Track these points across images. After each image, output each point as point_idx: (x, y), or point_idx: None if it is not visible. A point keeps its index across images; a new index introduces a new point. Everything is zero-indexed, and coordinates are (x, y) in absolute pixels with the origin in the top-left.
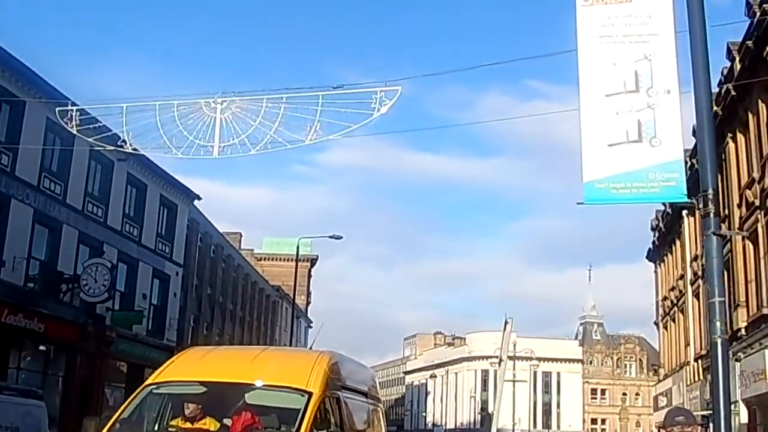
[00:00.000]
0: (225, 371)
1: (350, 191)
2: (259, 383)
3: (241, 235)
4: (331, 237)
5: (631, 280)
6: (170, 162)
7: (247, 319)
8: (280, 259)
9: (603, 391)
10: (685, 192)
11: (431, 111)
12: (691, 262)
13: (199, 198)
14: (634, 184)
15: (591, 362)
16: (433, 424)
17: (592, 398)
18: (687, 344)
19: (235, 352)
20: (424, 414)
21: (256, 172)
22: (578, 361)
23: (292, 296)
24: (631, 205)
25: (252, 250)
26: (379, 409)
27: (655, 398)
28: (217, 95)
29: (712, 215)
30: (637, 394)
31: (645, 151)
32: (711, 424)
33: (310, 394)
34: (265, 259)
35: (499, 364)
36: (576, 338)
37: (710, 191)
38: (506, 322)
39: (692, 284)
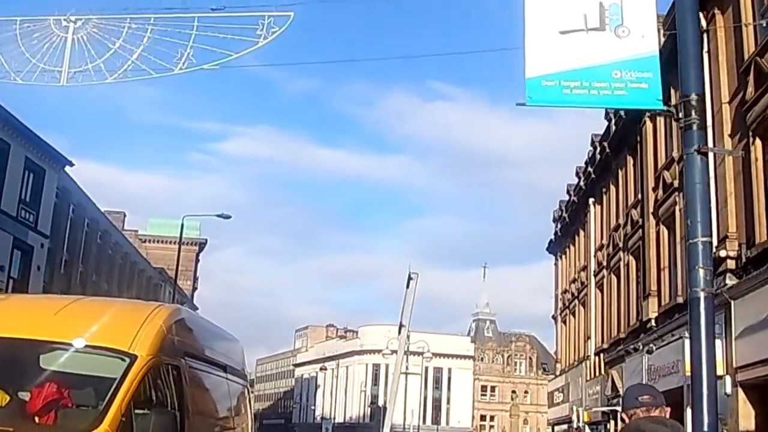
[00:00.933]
0: (14, 324)
1: (249, 183)
2: (62, 341)
3: (124, 215)
4: (218, 216)
5: (524, 282)
6: (65, 149)
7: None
8: (166, 242)
9: (493, 388)
10: (660, 97)
11: (335, 106)
12: (595, 252)
13: (71, 164)
14: (593, 83)
15: (482, 359)
16: (322, 418)
17: (482, 395)
18: (588, 338)
19: (36, 300)
20: (313, 407)
21: (151, 158)
22: (470, 357)
23: (174, 279)
24: (585, 109)
25: (136, 231)
26: (245, 392)
27: (550, 394)
28: (69, 12)
29: (695, 127)
30: (526, 391)
31: (609, 42)
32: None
33: (133, 358)
34: (150, 241)
35: (399, 331)
36: (468, 335)
37: (693, 96)
38: (410, 278)
39: (596, 275)
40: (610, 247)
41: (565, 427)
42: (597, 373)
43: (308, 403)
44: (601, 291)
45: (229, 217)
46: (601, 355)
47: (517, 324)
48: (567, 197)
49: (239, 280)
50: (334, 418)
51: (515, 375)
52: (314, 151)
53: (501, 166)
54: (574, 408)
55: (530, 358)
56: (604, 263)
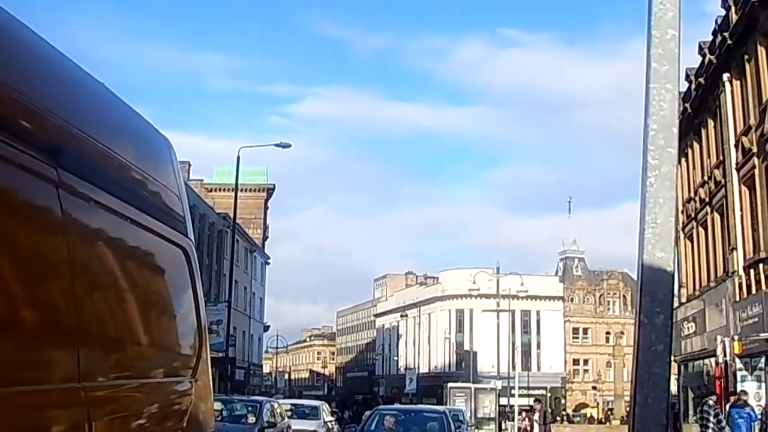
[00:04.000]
0: None
1: (327, 142)
2: None
3: (189, 165)
4: (277, 145)
5: (611, 222)
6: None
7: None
8: (233, 189)
9: (585, 330)
10: None
11: (408, 61)
12: (739, 137)
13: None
14: None
15: (572, 300)
16: (406, 368)
17: (573, 338)
18: (732, 249)
19: None
20: (396, 358)
21: (231, 124)
22: (559, 298)
23: (241, 227)
24: None
25: (201, 180)
26: (187, 267)
27: (677, 325)
28: None
29: None
30: (622, 332)
31: None
32: None
33: None
34: (215, 189)
35: None
36: (556, 275)
37: None
38: None
39: (739, 168)
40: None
41: (701, 363)
42: (752, 291)
43: (391, 354)
44: (751, 187)
45: (288, 145)
46: (760, 266)
47: (607, 265)
48: (691, 79)
49: (322, 240)
50: (419, 368)
51: (609, 315)
52: (390, 107)
53: (579, 110)
54: (718, 339)
55: (624, 297)
56: (755, 148)
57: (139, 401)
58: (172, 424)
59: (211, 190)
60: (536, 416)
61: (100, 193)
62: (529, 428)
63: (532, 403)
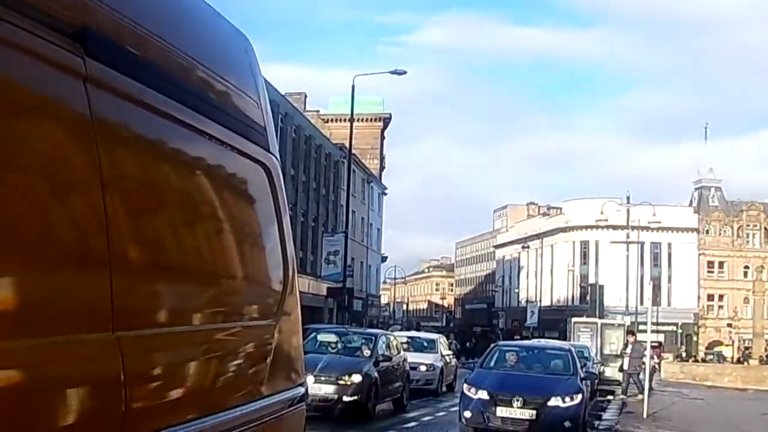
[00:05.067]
0: None
1: (445, 71)
2: None
3: (305, 96)
4: (392, 72)
5: (752, 150)
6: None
7: (312, 186)
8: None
9: (721, 264)
10: None
11: None
12: None
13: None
14: None
15: (707, 232)
16: (527, 301)
17: (708, 272)
18: None
19: None
20: (516, 290)
21: (346, 56)
22: (693, 230)
23: (357, 158)
24: None
25: (318, 111)
26: (271, 185)
27: None
28: None
29: None
30: (762, 266)
31: None
32: None
33: None
34: (332, 120)
35: None
36: (690, 205)
37: None
38: None
39: None
40: None
41: None
42: None
43: (511, 286)
44: None
45: (403, 72)
46: None
47: (746, 196)
48: None
49: (440, 170)
50: (540, 301)
51: (747, 248)
52: (510, 32)
53: (714, 31)
54: None
55: (765, 229)
56: None
57: (215, 345)
58: (254, 367)
59: (327, 121)
60: (628, 349)
61: (155, 96)
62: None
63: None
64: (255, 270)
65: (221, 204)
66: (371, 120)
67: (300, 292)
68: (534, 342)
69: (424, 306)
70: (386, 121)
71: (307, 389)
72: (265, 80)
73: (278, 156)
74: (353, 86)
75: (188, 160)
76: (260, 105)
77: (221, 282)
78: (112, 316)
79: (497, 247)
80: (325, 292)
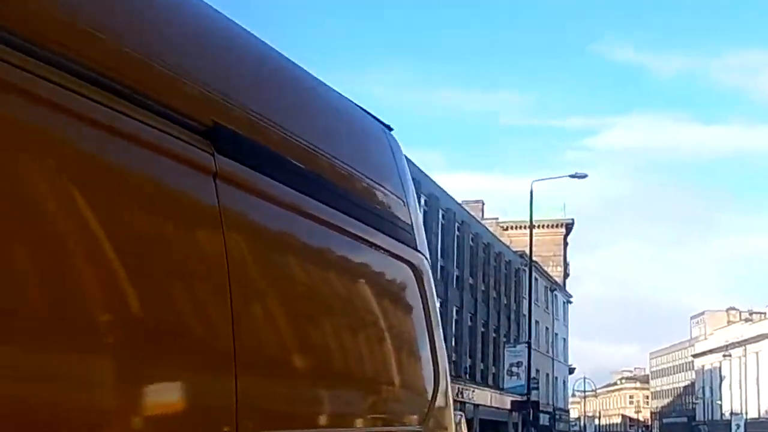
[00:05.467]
0: None
1: (628, 173)
2: None
3: (482, 204)
4: (572, 176)
5: None
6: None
7: (492, 295)
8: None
9: None
10: None
11: (715, 81)
12: None
13: (390, 129)
14: None
15: None
16: (731, 413)
17: None
18: None
19: None
20: (719, 402)
21: (524, 162)
22: None
23: (539, 265)
24: None
25: (496, 218)
26: (419, 286)
27: None
28: None
29: None
30: None
31: None
32: None
33: None
34: (511, 227)
35: None
36: None
37: None
38: None
39: None
40: None
41: None
42: None
43: (713, 398)
44: None
45: (584, 175)
46: None
47: None
48: None
49: (627, 276)
50: (746, 413)
51: None
52: (695, 130)
53: None
54: None
55: None
56: None
57: None
58: None
59: (506, 229)
60: None
61: (288, 192)
62: None
63: None
64: (399, 372)
65: (362, 303)
66: (552, 226)
67: (481, 405)
68: None
69: (617, 420)
70: (568, 226)
71: None
72: (442, 189)
73: (428, 256)
74: (531, 192)
75: (323, 257)
76: (406, 202)
77: (359, 385)
78: (236, 415)
79: (696, 356)
80: (508, 406)
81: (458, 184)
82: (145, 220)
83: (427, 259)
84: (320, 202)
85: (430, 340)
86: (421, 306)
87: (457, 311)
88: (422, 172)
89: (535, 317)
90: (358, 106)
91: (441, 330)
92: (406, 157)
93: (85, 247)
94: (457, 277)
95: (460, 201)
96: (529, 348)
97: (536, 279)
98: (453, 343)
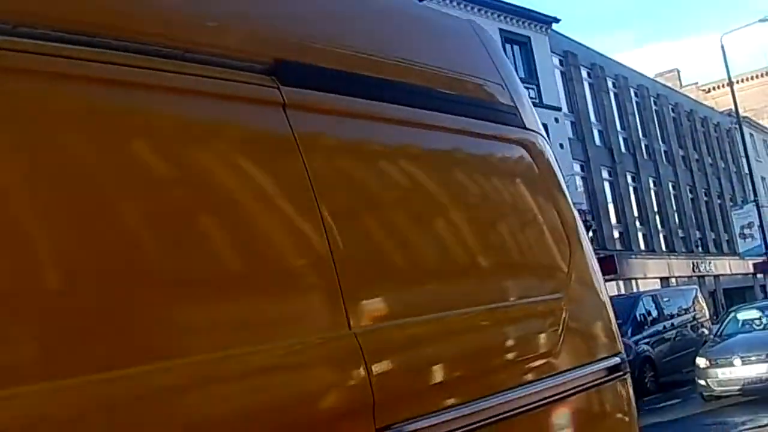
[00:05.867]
0: None
1: None
2: None
3: (678, 72)
4: (762, 20)
5: None
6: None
7: (707, 161)
8: (735, 82)
9: None
10: None
11: None
12: None
13: (556, 20)
14: None
15: None
16: None
17: None
18: None
19: None
20: None
21: (715, 18)
22: None
23: (751, 120)
24: None
25: (696, 83)
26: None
27: None
28: None
29: None
30: None
31: None
32: None
33: None
34: (715, 87)
35: None
36: None
37: None
38: None
39: None
40: None
41: None
42: None
43: None
44: None
45: None
46: None
47: None
48: None
49: None
50: None
51: None
52: None
53: None
54: None
55: None
56: None
57: (483, 327)
58: (539, 343)
59: (708, 91)
60: None
61: (376, 105)
62: None
63: None
64: (527, 248)
65: (471, 190)
66: (757, 77)
67: (721, 274)
68: None
69: None
70: None
71: (623, 359)
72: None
73: (541, 132)
74: (722, 46)
75: (416, 156)
76: (506, 86)
77: (485, 268)
78: (346, 314)
79: None
80: (751, 270)
81: (651, 59)
82: (229, 160)
83: (541, 135)
84: (401, 105)
85: (558, 212)
86: (540, 180)
87: (673, 186)
88: (604, 56)
89: (760, 173)
90: (442, 12)
91: (569, 201)
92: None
93: (192, 197)
94: (665, 152)
95: (653, 76)
96: (758, 206)
97: (751, 135)
98: (677, 219)
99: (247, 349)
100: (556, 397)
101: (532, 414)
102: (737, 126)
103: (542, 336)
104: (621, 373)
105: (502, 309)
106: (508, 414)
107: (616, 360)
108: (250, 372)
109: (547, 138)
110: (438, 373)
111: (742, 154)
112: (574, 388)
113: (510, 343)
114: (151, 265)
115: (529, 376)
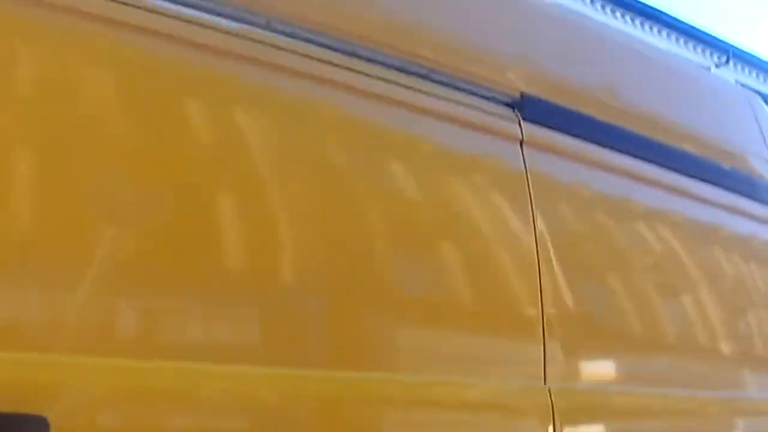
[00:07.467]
0: None
1: None
2: None
3: None
4: None
5: None
6: None
7: None
8: None
9: None
10: None
11: None
12: None
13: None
14: None
15: None
16: None
17: None
18: None
19: None
20: None
21: None
22: None
23: None
24: None
25: None
26: None
27: None
28: None
29: None
30: None
31: None
32: None
33: None
34: None
35: None
36: None
37: None
38: None
39: None
40: None
41: None
42: None
43: None
44: None
45: None
46: None
47: None
48: None
49: None
50: None
51: None
52: None
53: None
54: None
55: None
56: None
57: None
58: None
59: None
60: None
61: (610, 155)
62: None
63: None
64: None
65: (725, 269)
66: None
67: None
68: None
69: None
70: None
71: None
72: None
73: None
74: None
75: (659, 219)
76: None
77: (720, 350)
78: (544, 367)
79: None
80: None
81: None
82: (462, 189)
83: None
84: (647, 163)
85: None
86: None
87: None
88: None
89: None
90: (717, 77)
91: None
92: None
93: (428, 218)
94: None
95: None
96: None
97: None
98: None
99: (458, 380)
100: None
101: None
102: None
103: None
104: None
105: (735, 400)
106: None
107: None
108: (456, 404)
109: None
110: None
111: None
112: None
113: None
114: (390, 282)
115: None
